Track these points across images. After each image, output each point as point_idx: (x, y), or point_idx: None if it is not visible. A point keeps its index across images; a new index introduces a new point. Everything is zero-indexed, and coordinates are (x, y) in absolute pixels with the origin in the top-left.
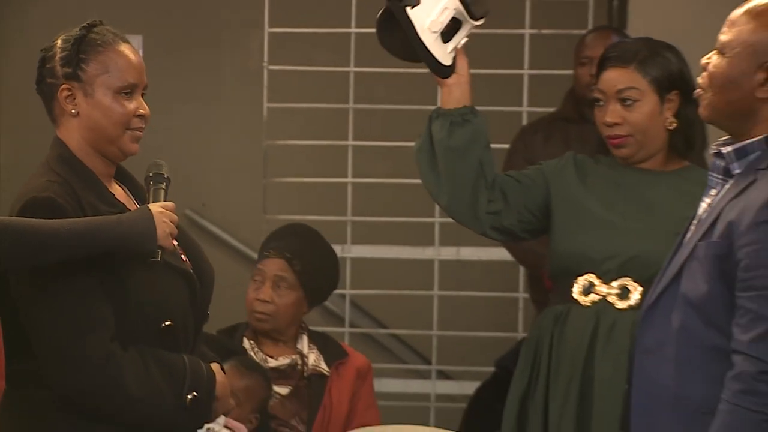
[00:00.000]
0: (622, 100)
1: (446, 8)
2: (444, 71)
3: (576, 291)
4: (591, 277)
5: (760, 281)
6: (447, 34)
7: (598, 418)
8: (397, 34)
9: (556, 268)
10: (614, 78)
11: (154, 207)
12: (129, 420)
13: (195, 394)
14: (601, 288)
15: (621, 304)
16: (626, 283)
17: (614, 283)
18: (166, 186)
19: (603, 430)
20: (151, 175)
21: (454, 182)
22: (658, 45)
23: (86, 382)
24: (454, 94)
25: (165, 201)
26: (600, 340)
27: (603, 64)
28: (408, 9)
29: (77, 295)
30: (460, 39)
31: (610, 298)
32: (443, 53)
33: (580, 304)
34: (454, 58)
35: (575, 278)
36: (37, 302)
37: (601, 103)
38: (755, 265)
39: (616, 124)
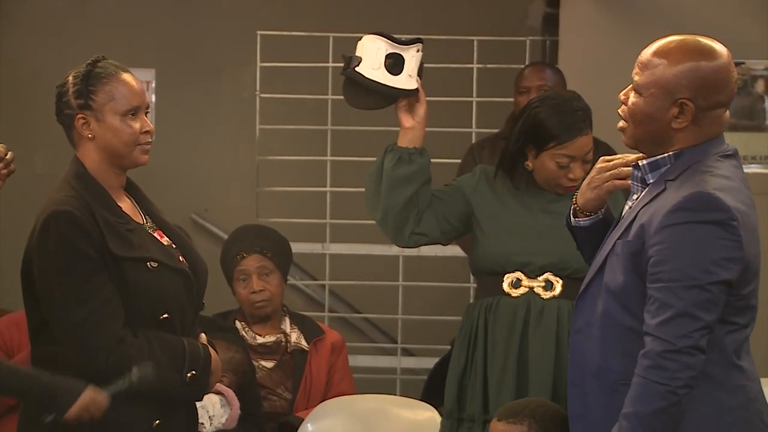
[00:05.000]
0: (586, 161)
1: (378, 48)
2: (402, 93)
3: (506, 285)
4: (518, 275)
5: (666, 275)
6: (397, 67)
7: (533, 384)
8: (361, 91)
9: (484, 268)
10: (587, 143)
11: (88, 397)
12: (136, 394)
13: (194, 372)
14: (529, 282)
15: (546, 295)
16: (549, 277)
17: (539, 278)
18: (129, 387)
19: (538, 393)
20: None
21: (387, 204)
22: (583, 103)
23: (99, 363)
24: (408, 135)
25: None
26: (532, 324)
27: (577, 131)
28: (356, 68)
29: (92, 291)
30: (410, 66)
31: (537, 290)
32: (398, 81)
33: (510, 295)
34: (419, 84)
35: (504, 275)
36: (60, 297)
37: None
38: (662, 261)
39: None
